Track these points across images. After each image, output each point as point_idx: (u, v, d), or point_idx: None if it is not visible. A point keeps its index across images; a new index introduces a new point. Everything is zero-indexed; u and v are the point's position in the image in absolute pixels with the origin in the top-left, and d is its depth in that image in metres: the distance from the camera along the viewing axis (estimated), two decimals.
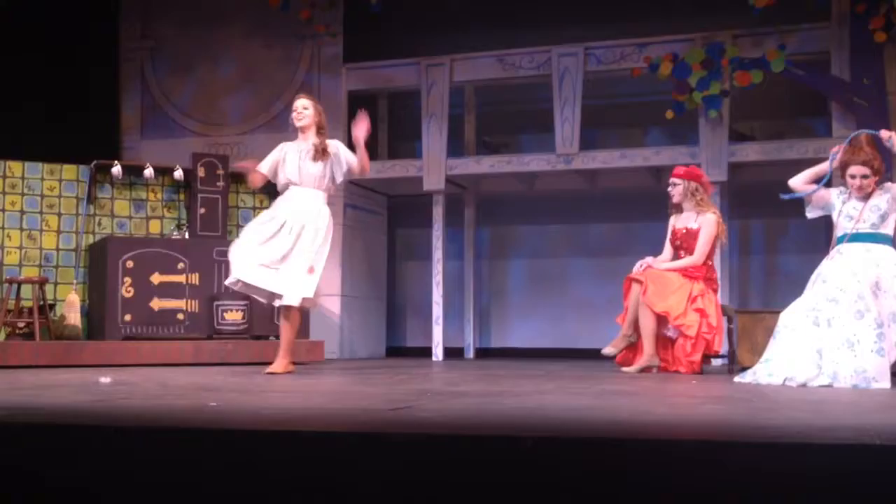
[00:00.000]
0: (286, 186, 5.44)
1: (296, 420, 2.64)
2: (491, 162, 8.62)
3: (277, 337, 7.11)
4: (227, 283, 5.47)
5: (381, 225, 9.57)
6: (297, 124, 5.49)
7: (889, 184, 4.99)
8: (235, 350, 6.69)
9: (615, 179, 8.67)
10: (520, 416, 2.79)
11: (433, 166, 8.62)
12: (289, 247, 5.27)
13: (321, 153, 5.39)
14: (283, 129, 8.99)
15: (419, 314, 9.42)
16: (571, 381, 4.74)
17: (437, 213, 8.67)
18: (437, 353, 8.51)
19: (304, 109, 5.46)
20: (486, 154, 8.95)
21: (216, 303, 6.87)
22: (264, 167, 5.48)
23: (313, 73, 9.02)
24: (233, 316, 6.92)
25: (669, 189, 6.28)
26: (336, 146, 5.49)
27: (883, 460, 1.89)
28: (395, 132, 9.43)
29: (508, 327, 9.63)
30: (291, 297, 5.26)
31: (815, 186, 5.07)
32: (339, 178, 5.52)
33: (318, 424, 2.53)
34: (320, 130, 5.48)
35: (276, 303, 5.38)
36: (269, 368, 5.31)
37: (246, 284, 5.30)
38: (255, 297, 5.52)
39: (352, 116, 8.94)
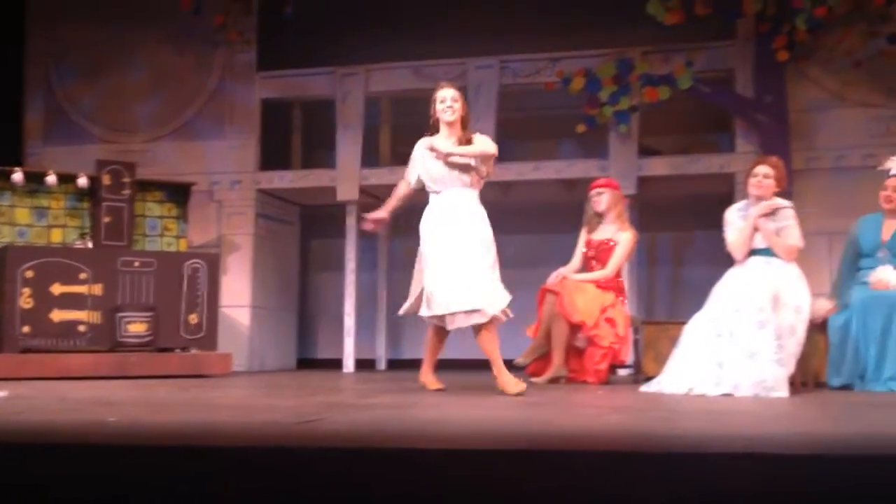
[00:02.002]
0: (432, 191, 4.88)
1: (199, 434, 2.58)
2: (405, 173, 8.60)
3: (183, 349, 7.01)
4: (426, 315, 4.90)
5: (294, 235, 9.47)
6: (448, 118, 4.83)
7: (781, 203, 5.18)
8: (139, 363, 6.52)
9: (528, 191, 8.75)
10: (427, 428, 2.78)
11: (347, 176, 8.57)
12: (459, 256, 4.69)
13: (467, 145, 4.81)
14: (194, 136, 8.86)
15: (331, 325, 9.34)
16: (481, 392, 4.76)
17: (351, 223, 8.62)
18: (349, 364, 8.45)
19: (454, 102, 4.83)
20: (400, 165, 8.92)
21: (119, 314, 6.69)
22: (412, 179, 4.97)
23: (226, 80, 8.89)
24: (136, 328, 6.74)
25: (594, 199, 6.39)
26: (479, 138, 4.89)
27: (775, 469, 1.94)
28: (310, 142, 9.34)
29: (421, 338, 9.57)
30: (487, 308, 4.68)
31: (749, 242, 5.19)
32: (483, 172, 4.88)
33: (223, 439, 2.48)
34: (465, 125, 4.90)
35: (471, 321, 4.74)
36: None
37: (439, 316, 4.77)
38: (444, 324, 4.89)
39: (265, 125, 8.97)
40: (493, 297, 4.73)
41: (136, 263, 6.87)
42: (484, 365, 8.48)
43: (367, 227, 5.16)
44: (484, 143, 4.86)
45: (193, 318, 7.02)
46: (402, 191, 5.08)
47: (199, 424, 2.89)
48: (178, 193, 7.56)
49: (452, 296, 4.67)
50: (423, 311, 4.87)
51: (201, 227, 8.45)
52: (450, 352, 9.36)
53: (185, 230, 7.54)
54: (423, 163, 4.89)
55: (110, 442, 2.36)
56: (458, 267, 4.67)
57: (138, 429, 2.72)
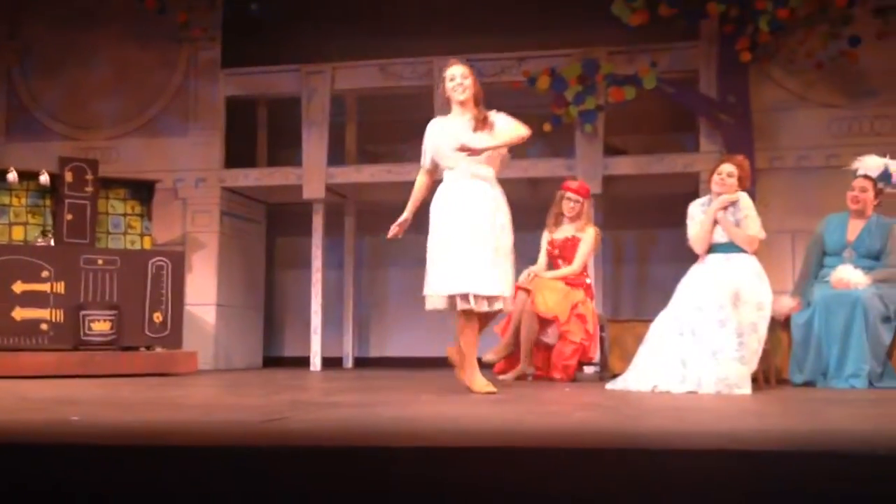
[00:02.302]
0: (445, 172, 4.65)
1: (162, 434, 2.56)
2: (372, 171, 8.60)
3: (148, 348, 6.94)
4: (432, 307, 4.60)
5: (260, 233, 9.42)
6: (459, 97, 4.62)
7: (742, 196, 5.23)
8: (103, 361, 6.45)
9: None
10: (393, 426, 2.78)
11: (313, 174, 8.54)
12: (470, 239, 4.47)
13: (482, 123, 4.60)
14: (158, 133, 8.78)
15: (298, 324, 9.30)
16: (448, 389, 4.76)
17: (317, 221, 8.59)
18: (316, 362, 8.42)
19: (463, 79, 4.62)
20: (366, 163, 8.92)
21: (82, 312, 6.62)
22: (427, 162, 4.73)
23: (190, 77, 8.82)
24: (100, 326, 6.67)
25: (567, 204, 6.43)
26: (496, 115, 4.67)
27: (738, 465, 1.96)
28: (275, 139, 9.30)
29: (388, 336, 9.61)
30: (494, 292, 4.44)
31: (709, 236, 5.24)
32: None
33: (186, 438, 2.46)
34: (478, 103, 4.67)
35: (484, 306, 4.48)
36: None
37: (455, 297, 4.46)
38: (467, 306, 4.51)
39: (230, 122, 8.91)
40: (511, 288, 4.59)
41: (100, 261, 6.80)
42: (434, 363, 8.49)
43: (394, 233, 4.84)
44: (513, 129, 4.63)
45: (158, 317, 6.96)
46: (422, 182, 4.80)
47: (162, 423, 2.86)
48: (142, 191, 7.49)
49: (480, 277, 4.41)
50: (450, 290, 4.45)
51: (166, 225, 8.38)
52: (392, 350, 9.44)
53: (149, 228, 7.48)
54: (434, 142, 4.66)
55: (73, 441, 2.33)
56: (483, 249, 4.45)
57: (101, 428, 2.69)
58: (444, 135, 4.63)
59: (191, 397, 4.27)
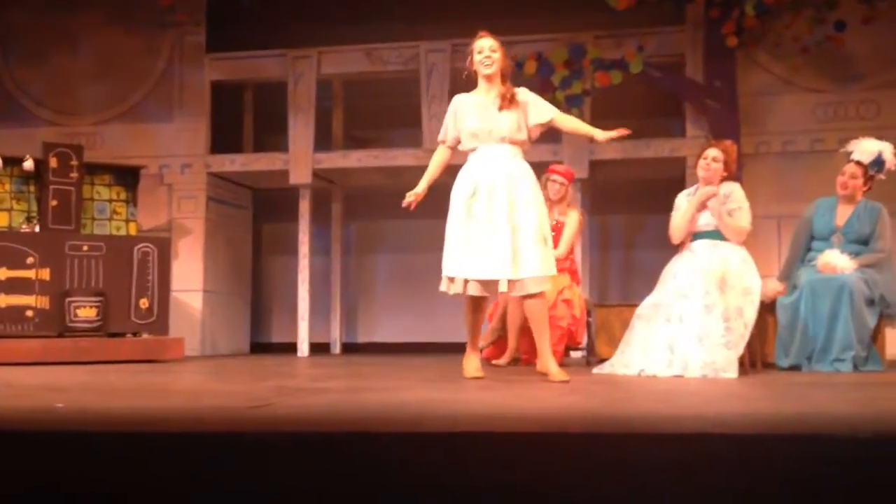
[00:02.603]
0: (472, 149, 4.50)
1: (147, 421, 2.55)
2: (359, 156, 8.58)
3: (134, 334, 6.92)
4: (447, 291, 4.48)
5: (246, 219, 9.39)
6: (486, 71, 4.49)
7: (726, 184, 5.25)
8: (89, 348, 6.43)
9: None
10: (379, 411, 2.78)
11: (300, 160, 8.51)
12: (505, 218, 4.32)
13: (509, 101, 4.46)
14: (143, 119, 8.73)
15: (285, 310, 9.29)
16: (435, 375, 4.77)
17: (304, 207, 8.57)
18: (303, 349, 8.41)
19: (492, 53, 4.48)
20: (353, 148, 8.89)
21: (68, 299, 6.59)
22: (448, 137, 4.58)
23: (175, 62, 8.76)
24: (86, 313, 6.64)
25: (550, 185, 6.42)
26: (527, 94, 4.55)
27: (724, 448, 1.97)
28: (261, 125, 9.26)
29: (376, 322, 9.61)
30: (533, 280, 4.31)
31: (694, 224, 5.25)
32: (534, 135, 4.58)
33: (172, 424, 2.45)
34: (505, 79, 4.55)
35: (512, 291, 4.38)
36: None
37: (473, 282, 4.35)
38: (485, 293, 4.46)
39: (215, 107, 8.87)
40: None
41: (85, 247, 6.77)
42: (422, 348, 8.48)
43: (408, 202, 4.65)
44: (571, 120, 4.75)
45: (144, 303, 6.94)
46: (442, 157, 4.66)
47: (148, 410, 2.85)
48: (127, 177, 7.46)
49: (531, 257, 4.30)
50: (506, 274, 4.29)
51: (151, 211, 8.35)
52: (380, 336, 9.43)
53: (134, 214, 7.45)
54: (460, 119, 4.51)
55: (58, 428, 2.32)
56: (528, 226, 4.32)
57: (86, 415, 2.68)
58: (469, 113, 4.49)
59: (177, 383, 4.27)
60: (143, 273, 6.95)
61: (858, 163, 5.74)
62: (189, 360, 7.03)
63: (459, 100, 4.59)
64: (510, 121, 4.44)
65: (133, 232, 7.38)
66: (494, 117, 4.44)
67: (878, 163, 5.74)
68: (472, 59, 4.56)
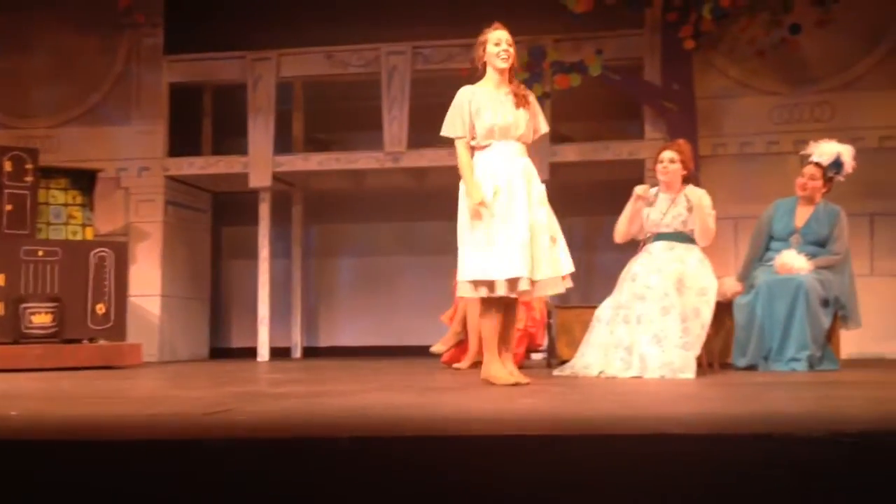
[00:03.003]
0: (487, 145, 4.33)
1: (103, 428, 2.52)
2: (319, 159, 8.54)
3: (91, 340, 6.83)
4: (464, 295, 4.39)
5: (205, 223, 9.30)
6: (502, 65, 4.34)
7: (691, 188, 5.31)
8: (44, 355, 6.33)
9: (443, 177, 8.73)
10: (341, 416, 2.77)
11: (260, 163, 8.45)
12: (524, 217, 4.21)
13: (524, 100, 4.37)
14: (99, 122, 8.62)
15: (245, 314, 9.22)
16: (397, 378, 4.76)
17: (264, 210, 8.52)
18: (263, 353, 8.36)
19: (509, 46, 4.36)
20: (314, 151, 8.85)
21: (23, 305, 6.48)
22: (466, 132, 4.32)
23: (132, 64, 8.66)
24: (41, 319, 6.55)
25: None
26: (534, 99, 4.51)
27: (680, 448, 1.99)
28: (220, 127, 9.18)
29: (337, 326, 9.58)
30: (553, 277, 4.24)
31: (638, 225, 5.30)
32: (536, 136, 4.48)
33: (127, 432, 2.42)
34: (513, 77, 4.45)
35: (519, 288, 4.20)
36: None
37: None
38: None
39: (172, 109, 8.78)
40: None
41: (40, 252, 6.68)
42: (384, 352, 8.46)
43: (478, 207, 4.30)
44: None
45: (101, 308, 6.86)
46: (469, 153, 4.37)
47: (104, 417, 2.82)
48: (84, 180, 7.37)
49: (559, 256, 4.27)
50: (528, 273, 4.16)
51: (108, 215, 8.25)
52: (342, 339, 9.40)
53: (90, 218, 7.36)
54: (477, 111, 4.30)
55: (12, 436, 2.28)
56: (543, 225, 4.29)
57: (41, 423, 2.64)
58: (485, 107, 4.30)
59: (134, 390, 4.22)
60: (99, 278, 6.87)
61: (818, 164, 5.82)
62: (147, 366, 6.95)
63: (471, 92, 4.36)
64: (525, 120, 4.35)
65: (89, 236, 7.29)
66: (512, 114, 4.31)
67: (837, 165, 5.82)
68: (483, 50, 4.40)
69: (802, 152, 6.01)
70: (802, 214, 5.83)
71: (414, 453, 2.05)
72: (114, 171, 8.42)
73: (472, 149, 4.37)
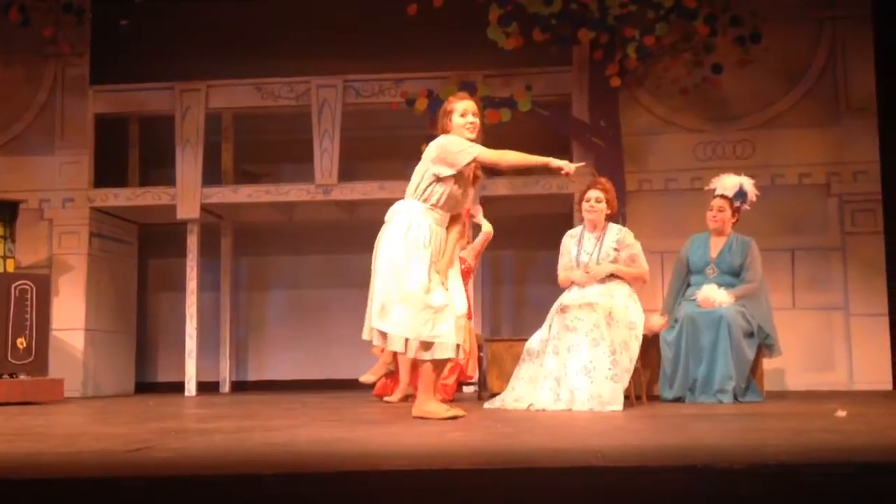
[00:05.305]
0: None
1: (23, 466, 2.44)
2: (249, 191, 8.47)
3: (11, 375, 6.63)
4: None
5: (131, 255, 9.12)
6: (470, 136, 4.41)
7: (617, 227, 5.44)
8: None
9: (374, 210, 8.73)
10: (267, 452, 2.73)
11: (188, 194, 8.34)
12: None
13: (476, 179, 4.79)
14: (22, 152, 8.43)
15: (172, 347, 9.04)
16: (327, 412, 4.71)
17: (192, 242, 8.39)
18: (191, 387, 8.20)
19: (475, 118, 4.44)
20: (244, 183, 8.77)
21: None
22: (470, 150, 4.39)
23: (57, 94, 8.50)
24: None
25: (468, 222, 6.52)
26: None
27: (603, 480, 2.01)
28: (148, 158, 9.05)
29: (267, 359, 9.45)
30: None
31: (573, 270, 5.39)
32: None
33: (45, 470, 2.35)
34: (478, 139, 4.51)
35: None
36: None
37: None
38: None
39: (98, 140, 8.63)
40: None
41: None
42: (314, 385, 8.41)
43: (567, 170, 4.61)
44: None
45: (21, 343, 6.68)
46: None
47: (21, 455, 2.73)
48: (5, 211, 7.21)
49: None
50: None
51: (30, 247, 8.06)
52: (272, 373, 9.30)
53: (12, 250, 7.18)
54: (453, 185, 4.39)
55: None
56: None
57: None
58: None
59: (54, 426, 4.10)
60: (20, 311, 6.69)
61: (723, 196, 6.07)
62: (69, 402, 6.76)
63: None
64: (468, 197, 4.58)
65: (10, 269, 7.11)
66: (468, 193, 4.55)
67: (741, 194, 6.12)
68: (449, 120, 4.41)
69: (707, 187, 6.25)
70: (716, 245, 6.02)
71: (342, 489, 2.03)
72: (37, 203, 8.23)
73: (425, 201, 4.39)
